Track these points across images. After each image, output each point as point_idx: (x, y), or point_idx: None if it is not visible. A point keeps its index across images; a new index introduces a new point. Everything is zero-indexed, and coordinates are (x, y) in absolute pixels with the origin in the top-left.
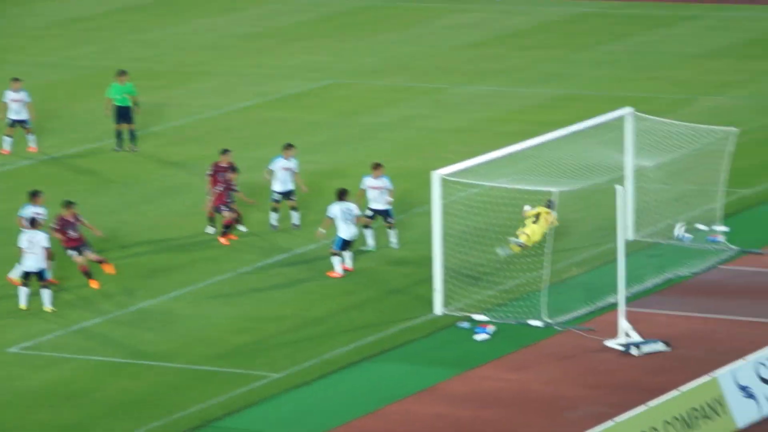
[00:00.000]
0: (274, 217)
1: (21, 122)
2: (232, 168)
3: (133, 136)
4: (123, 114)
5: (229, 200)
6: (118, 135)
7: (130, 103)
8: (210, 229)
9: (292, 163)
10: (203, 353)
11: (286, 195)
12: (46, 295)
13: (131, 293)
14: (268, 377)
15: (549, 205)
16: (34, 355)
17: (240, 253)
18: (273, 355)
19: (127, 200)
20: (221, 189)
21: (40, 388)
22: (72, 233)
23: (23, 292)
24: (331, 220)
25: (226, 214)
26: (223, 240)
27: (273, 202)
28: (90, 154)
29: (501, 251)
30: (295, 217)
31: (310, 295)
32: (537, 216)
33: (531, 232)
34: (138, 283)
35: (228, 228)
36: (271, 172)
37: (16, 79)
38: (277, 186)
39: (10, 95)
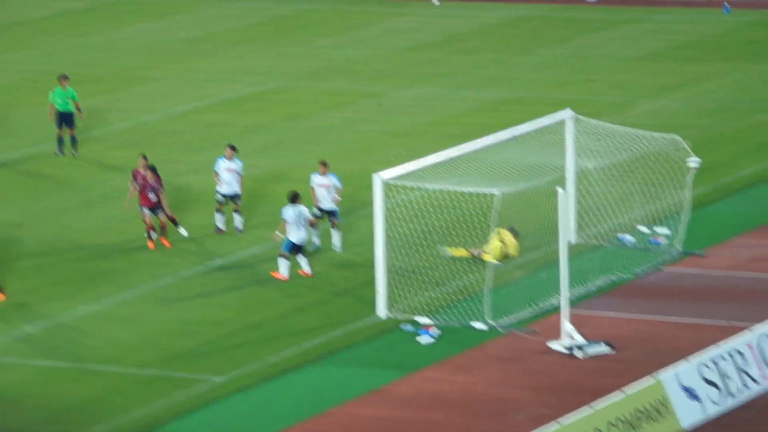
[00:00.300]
0: (219, 219)
1: None
2: (151, 168)
3: (74, 141)
4: (64, 119)
5: (151, 203)
6: (59, 140)
7: (71, 108)
8: (153, 235)
9: (235, 165)
10: (146, 357)
11: (231, 198)
12: None
13: (73, 298)
14: (211, 381)
15: (512, 230)
16: None
17: (182, 256)
18: (216, 358)
19: (69, 205)
20: (136, 189)
21: None
22: None
23: None
24: (286, 222)
25: (147, 221)
26: (150, 244)
27: (218, 204)
28: (31, 159)
29: (441, 250)
30: (237, 221)
31: (253, 298)
32: (502, 240)
33: (491, 250)
34: (80, 287)
35: (149, 233)
36: (217, 175)
37: None
38: (222, 188)
39: None
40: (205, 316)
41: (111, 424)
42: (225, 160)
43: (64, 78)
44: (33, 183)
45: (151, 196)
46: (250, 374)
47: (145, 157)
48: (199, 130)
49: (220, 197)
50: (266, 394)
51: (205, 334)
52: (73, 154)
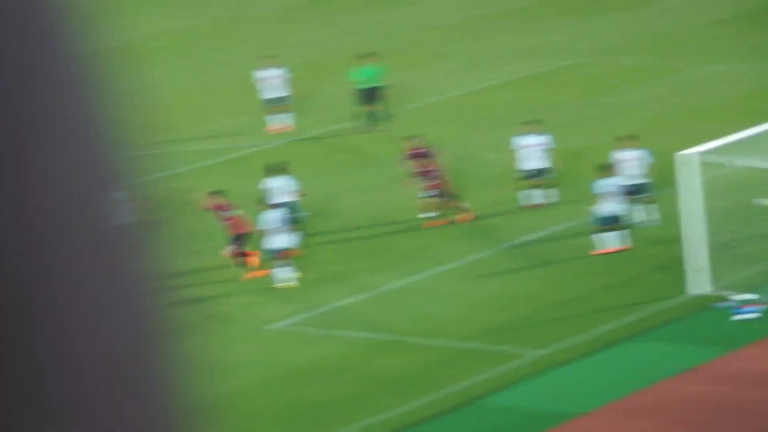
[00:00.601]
0: (525, 195)
1: (279, 100)
2: (427, 153)
3: (379, 117)
4: (370, 95)
5: (430, 185)
6: (366, 115)
7: (377, 84)
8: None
9: (535, 140)
10: (463, 331)
11: (536, 173)
12: (284, 270)
13: (389, 271)
14: (529, 355)
15: None
16: (299, 332)
17: (492, 232)
18: (532, 333)
19: (380, 180)
20: (418, 172)
21: (306, 364)
22: None
23: (279, 270)
24: (598, 196)
25: (432, 200)
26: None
27: (522, 180)
28: (340, 134)
29: (763, 201)
30: (542, 196)
31: (564, 273)
32: None
33: None
34: (395, 261)
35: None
36: (516, 151)
37: (268, 57)
38: (524, 164)
39: (265, 73)
40: (518, 290)
41: (430, 397)
42: (526, 135)
43: (368, 56)
44: (343, 158)
45: (431, 178)
46: (567, 349)
47: (416, 140)
48: (498, 106)
49: (525, 173)
50: (584, 369)
51: (520, 308)
52: (379, 130)
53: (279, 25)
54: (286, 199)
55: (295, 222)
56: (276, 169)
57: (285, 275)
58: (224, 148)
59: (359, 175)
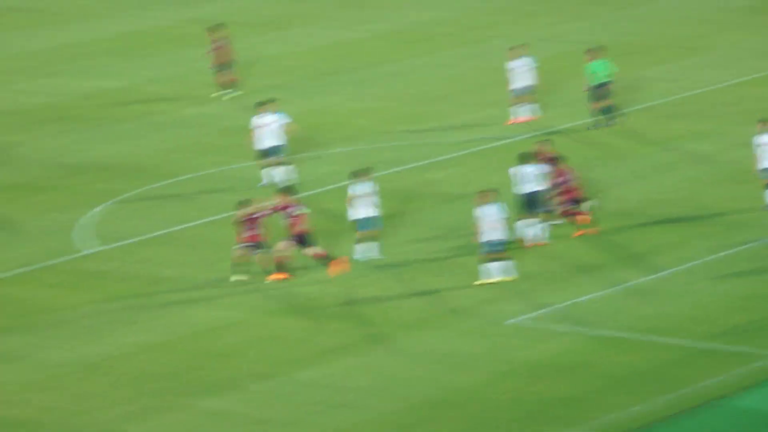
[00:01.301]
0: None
1: (525, 89)
2: (553, 159)
3: (609, 112)
4: (599, 90)
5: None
6: (597, 112)
7: (605, 80)
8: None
9: (764, 140)
10: (703, 330)
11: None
12: (503, 266)
13: (629, 267)
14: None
15: None
16: (533, 328)
17: (737, 230)
18: None
19: (620, 174)
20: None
21: (539, 360)
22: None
23: (491, 267)
24: None
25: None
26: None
27: (761, 179)
28: (577, 130)
29: None
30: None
31: None
32: None
33: None
34: (635, 258)
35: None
36: (757, 149)
37: (519, 47)
38: (761, 163)
39: (515, 63)
40: (760, 290)
41: (668, 396)
42: (761, 134)
43: (592, 51)
44: (585, 153)
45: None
46: None
47: (549, 144)
48: (749, 102)
49: (761, 172)
50: None
51: (762, 309)
52: (608, 125)
53: (527, 18)
54: (535, 188)
55: (537, 214)
56: (525, 157)
57: (503, 270)
58: (469, 140)
59: (602, 170)
